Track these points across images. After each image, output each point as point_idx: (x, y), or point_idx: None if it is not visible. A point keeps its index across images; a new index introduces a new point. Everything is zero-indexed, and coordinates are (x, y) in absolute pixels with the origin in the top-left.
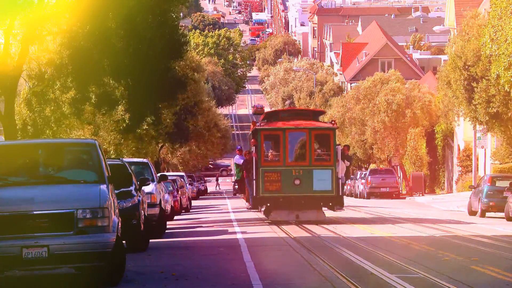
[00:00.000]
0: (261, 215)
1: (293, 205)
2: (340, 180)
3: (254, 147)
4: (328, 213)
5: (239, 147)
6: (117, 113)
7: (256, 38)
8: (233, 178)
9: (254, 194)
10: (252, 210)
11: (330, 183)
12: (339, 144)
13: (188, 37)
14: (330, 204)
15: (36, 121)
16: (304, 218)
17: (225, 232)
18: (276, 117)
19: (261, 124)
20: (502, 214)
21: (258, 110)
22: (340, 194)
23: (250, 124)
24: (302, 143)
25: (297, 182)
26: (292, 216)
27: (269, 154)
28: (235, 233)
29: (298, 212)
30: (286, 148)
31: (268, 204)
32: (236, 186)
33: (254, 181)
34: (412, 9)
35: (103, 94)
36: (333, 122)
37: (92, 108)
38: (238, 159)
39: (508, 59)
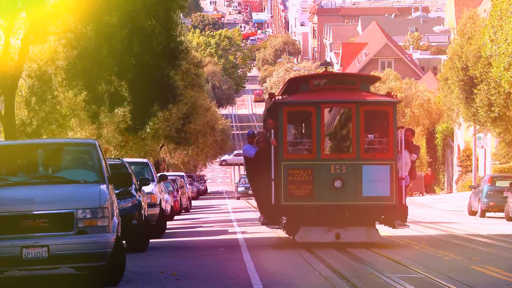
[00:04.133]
0: (282, 233)
1: (331, 219)
2: (403, 181)
3: (272, 132)
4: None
5: (250, 132)
6: (118, 114)
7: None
8: (235, 179)
9: (273, 202)
10: (268, 225)
11: (388, 186)
12: (401, 127)
13: (190, 37)
14: (385, 217)
15: (36, 121)
16: (349, 238)
17: (225, 232)
18: (306, 86)
19: (284, 96)
20: (502, 214)
21: (259, 98)
22: (404, 202)
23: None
24: (346, 125)
25: (337, 183)
26: (330, 236)
27: (296, 141)
28: (235, 233)
29: (339, 229)
30: (322, 133)
31: (294, 218)
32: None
33: (272, 182)
34: (412, 9)
35: (113, 92)
36: (392, 93)
37: (97, 108)
38: (248, 149)
39: (508, 59)
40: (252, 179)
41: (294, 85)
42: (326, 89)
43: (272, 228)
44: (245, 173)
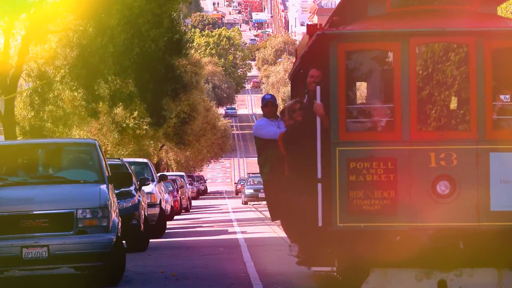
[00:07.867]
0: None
1: (432, 256)
2: None
3: (317, 90)
4: None
5: (268, 96)
6: (118, 114)
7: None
8: (235, 179)
9: (320, 223)
10: (311, 267)
11: None
12: None
13: (190, 35)
14: None
15: (36, 121)
16: None
17: (225, 232)
18: (379, 7)
19: (338, 25)
20: None
21: (257, 84)
22: None
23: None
24: (458, 78)
25: (442, 187)
26: (428, 287)
27: (362, 109)
28: (235, 233)
29: (447, 274)
30: (411, 92)
31: (359, 252)
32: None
33: (319, 185)
34: None
35: (116, 91)
36: None
37: (96, 106)
38: (263, 126)
39: None
40: (272, 179)
41: (356, 5)
42: (416, 11)
43: (320, 271)
44: (259, 170)
